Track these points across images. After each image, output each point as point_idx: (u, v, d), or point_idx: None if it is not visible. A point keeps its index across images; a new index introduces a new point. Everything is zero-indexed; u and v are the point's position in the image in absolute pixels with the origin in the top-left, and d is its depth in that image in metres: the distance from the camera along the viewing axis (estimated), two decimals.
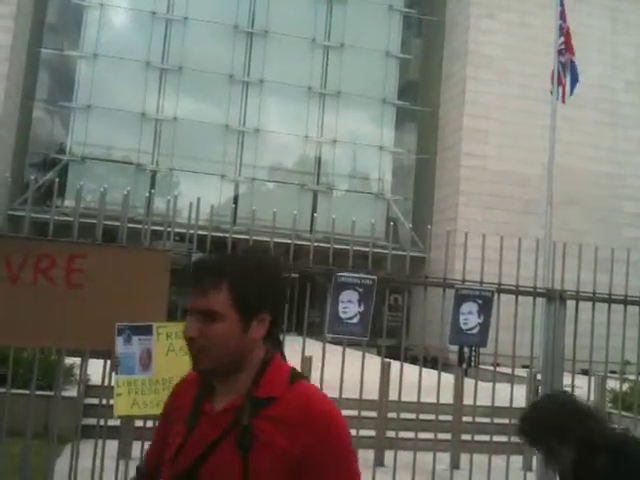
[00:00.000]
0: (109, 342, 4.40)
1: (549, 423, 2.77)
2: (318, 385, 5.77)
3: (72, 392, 7.06)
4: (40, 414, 5.42)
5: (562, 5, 14.40)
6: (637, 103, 25.61)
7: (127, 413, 4.52)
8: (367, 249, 6.09)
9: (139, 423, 5.47)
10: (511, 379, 6.53)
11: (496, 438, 6.29)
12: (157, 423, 2.23)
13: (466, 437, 6.74)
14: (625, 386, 8.29)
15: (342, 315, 5.51)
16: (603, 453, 2.72)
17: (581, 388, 6.56)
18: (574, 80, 14.16)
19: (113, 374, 4.45)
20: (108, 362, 4.79)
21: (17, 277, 4.64)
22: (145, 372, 4.35)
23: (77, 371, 7.26)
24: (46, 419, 6.03)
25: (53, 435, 5.07)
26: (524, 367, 8.86)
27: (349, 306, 5.50)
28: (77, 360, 6.11)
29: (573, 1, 19.94)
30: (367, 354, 5.96)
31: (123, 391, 4.32)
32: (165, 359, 4.35)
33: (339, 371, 5.74)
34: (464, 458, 7.21)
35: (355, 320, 5.52)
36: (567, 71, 14.04)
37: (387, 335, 6.41)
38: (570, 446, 2.73)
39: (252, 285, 1.82)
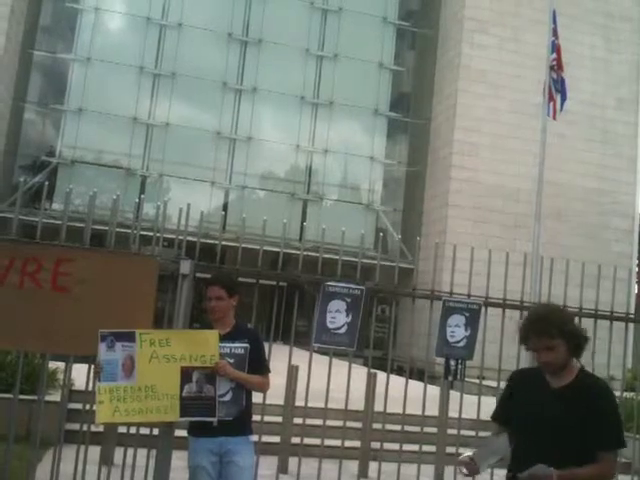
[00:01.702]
0: (95, 348, 4.37)
1: (553, 317, 3.30)
2: (304, 395, 5.77)
3: (55, 397, 7.01)
4: (23, 418, 5.37)
5: (555, 22, 14.50)
6: (628, 121, 25.81)
7: (109, 421, 4.48)
8: (356, 259, 6.09)
9: (122, 429, 5.43)
10: (496, 392, 6.52)
11: None
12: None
13: (451, 450, 6.73)
14: None
15: (330, 325, 5.50)
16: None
17: None
18: (563, 97, 14.24)
19: (95, 381, 4.41)
20: (92, 367, 4.76)
21: (3, 279, 4.61)
22: (127, 379, 4.31)
23: (61, 375, 7.22)
24: (29, 423, 5.98)
25: (35, 439, 5.03)
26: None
27: (337, 316, 5.49)
28: (61, 364, 6.07)
29: (566, 18, 20.10)
30: (353, 365, 5.96)
31: (105, 399, 4.28)
32: (148, 366, 4.32)
33: (325, 381, 5.73)
34: (448, 471, 7.19)
35: (343, 330, 5.51)
36: (559, 87, 14.13)
37: (374, 346, 6.40)
38: (563, 340, 3.25)
39: None
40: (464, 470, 3.24)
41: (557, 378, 3.31)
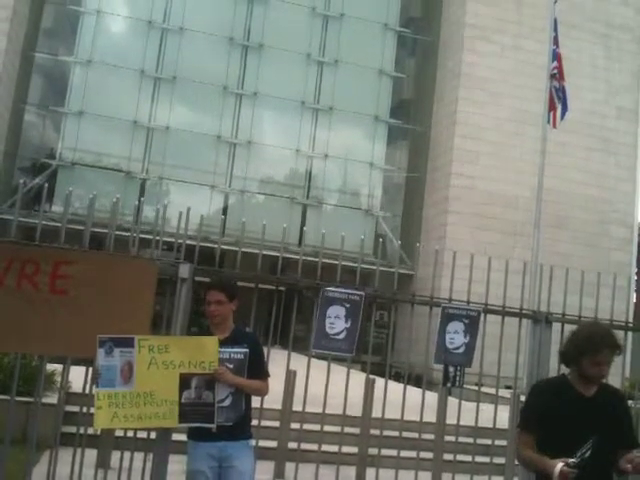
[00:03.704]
0: (93, 350, 4.36)
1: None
2: (302, 400, 5.76)
3: (52, 399, 7.00)
4: (19, 420, 5.35)
5: (556, 31, 14.54)
6: (628, 130, 25.84)
7: (107, 426, 4.47)
8: (355, 264, 6.09)
9: (119, 432, 5.42)
10: (495, 399, 6.52)
11: (478, 459, 6.27)
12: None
13: (448, 457, 6.72)
14: None
15: (329, 330, 5.49)
16: None
17: None
18: (564, 107, 14.27)
19: (93, 387, 4.39)
20: (90, 369, 4.74)
21: (1, 282, 4.59)
22: (126, 385, 4.30)
23: (58, 378, 7.19)
24: (25, 425, 5.96)
25: (32, 442, 5.01)
26: (507, 387, 8.85)
27: (336, 322, 5.48)
28: (58, 366, 6.06)
29: (566, 27, 20.14)
30: (351, 370, 5.94)
31: (103, 404, 4.27)
32: (147, 372, 4.31)
33: (323, 386, 5.71)
34: (446, 478, 7.17)
35: (342, 336, 5.50)
36: (561, 96, 14.15)
37: (372, 352, 6.38)
38: None
39: None
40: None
41: (590, 388, 3.66)
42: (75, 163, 24.70)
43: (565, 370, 3.86)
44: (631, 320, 6.77)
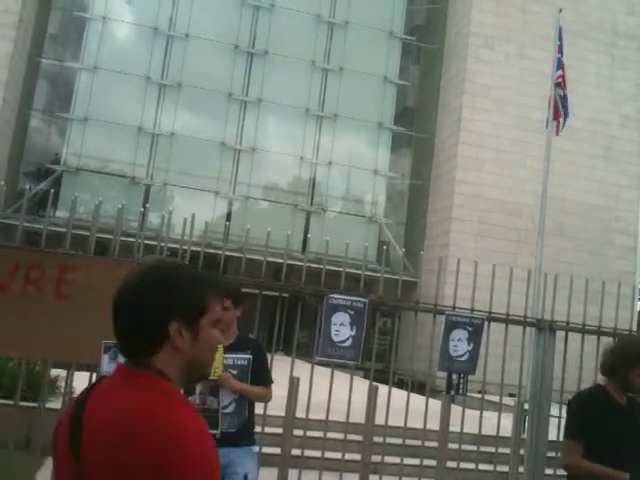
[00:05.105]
0: (97, 356, 4.36)
1: None
2: (305, 407, 5.76)
3: (56, 404, 7.00)
4: (23, 425, 5.35)
5: (561, 39, 14.55)
6: (632, 138, 25.83)
7: None
8: (359, 271, 6.09)
9: None
10: (498, 407, 6.51)
11: (482, 467, 6.26)
12: None
13: (452, 464, 6.71)
14: None
15: (334, 338, 5.49)
16: None
17: None
18: (565, 115, 14.27)
19: None
20: (94, 375, 4.75)
21: (6, 286, 4.61)
22: None
23: (62, 383, 7.20)
24: (29, 431, 5.96)
25: (36, 447, 5.01)
26: (510, 395, 8.84)
27: (341, 329, 5.48)
28: (62, 372, 6.07)
29: (571, 36, 20.18)
30: (354, 377, 5.94)
31: None
32: None
33: (326, 393, 5.71)
34: None
35: (348, 343, 5.50)
36: (566, 104, 14.15)
37: (375, 359, 6.39)
38: None
39: None
40: None
41: (623, 397, 3.89)
42: (80, 169, 24.75)
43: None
44: (635, 328, 6.77)
